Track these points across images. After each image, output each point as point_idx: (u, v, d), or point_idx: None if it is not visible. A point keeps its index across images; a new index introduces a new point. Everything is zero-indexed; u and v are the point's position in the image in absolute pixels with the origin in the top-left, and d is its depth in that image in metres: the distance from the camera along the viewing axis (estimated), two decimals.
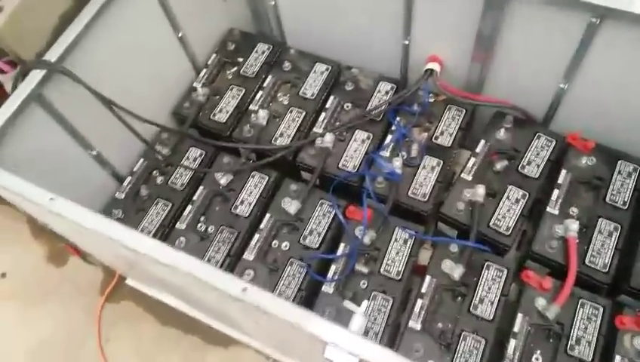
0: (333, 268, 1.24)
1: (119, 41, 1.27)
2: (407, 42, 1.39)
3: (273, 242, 1.28)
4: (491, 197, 1.26)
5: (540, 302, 1.13)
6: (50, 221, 1.20)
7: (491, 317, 1.14)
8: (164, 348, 1.65)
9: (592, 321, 1.11)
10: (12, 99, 1.08)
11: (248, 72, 1.53)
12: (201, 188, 1.36)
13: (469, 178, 1.29)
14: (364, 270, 1.21)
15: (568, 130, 1.31)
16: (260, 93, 1.49)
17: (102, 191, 1.39)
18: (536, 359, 1.09)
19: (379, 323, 1.16)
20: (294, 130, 1.42)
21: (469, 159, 1.32)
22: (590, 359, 1.08)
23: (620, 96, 1.20)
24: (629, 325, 1.09)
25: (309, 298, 1.22)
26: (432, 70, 1.36)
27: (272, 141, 1.41)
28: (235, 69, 1.54)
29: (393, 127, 1.39)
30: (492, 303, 1.15)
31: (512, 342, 1.10)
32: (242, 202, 1.33)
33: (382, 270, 1.22)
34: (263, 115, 1.42)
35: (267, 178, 1.36)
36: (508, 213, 1.23)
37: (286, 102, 1.47)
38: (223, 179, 1.35)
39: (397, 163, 1.30)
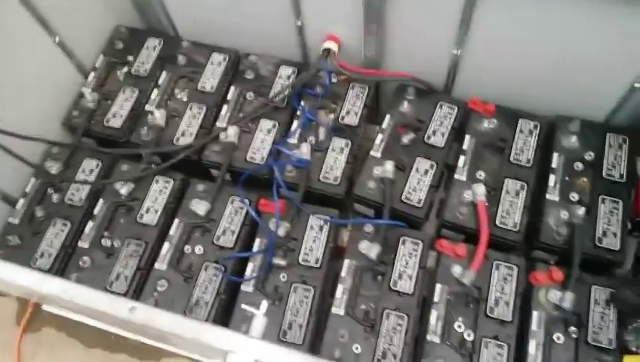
0: (250, 265, 1.19)
1: None
2: (300, 23, 1.34)
3: (185, 247, 1.22)
4: (402, 172, 1.25)
5: (456, 269, 1.13)
6: None
7: (412, 291, 1.13)
8: None
9: (507, 281, 1.13)
10: None
11: (140, 70, 1.44)
12: (101, 201, 1.27)
13: (378, 155, 1.27)
14: (282, 263, 1.18)
15: (470, 95, 1.32)
16: (156, 91, 1.40)
17: None
18: (459, 326, 1.10)
19: (302, 314, 1.13)
20: (197, 128, 1.35)
21: (376, 135, 1.30)
22: (510, 319, 1.09)
23: (512, 54, 1.21)
24: (543, 280, 1.12)
25: (229, 300, 1.18)
26: (329, 50, 1.32)
27: (174, 141, 1.34)
28: (126, 68, 1.44)
29: (298, 112, 1.35)
30: (411, 277, 1.15)
31: (434, 313, 1.11)
32: (147, 210, 1.26)
33: (300, 260, 1.18)
34: (160, 116, 1.34)
35: (172, 181, 1.29)
36: (418, 186, 1.22)
37: (185, 99, 1.40)
38: (124, 189, 1.27)
39: (304, 149, 1.26)
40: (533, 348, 1.06)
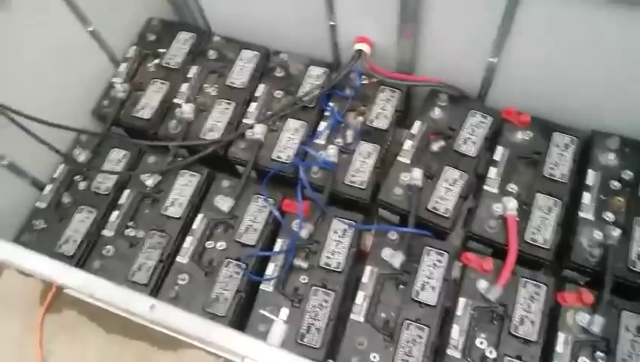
0: (272, 265, 1.18)
1: (18, 42, 1.17)
2: (332, 23, 1.32)
3: (208, 243, 1.21)
4: (429, 180, 1.22)
5: (482, 284, 1.10)
6: None
7: (434, 303, 1.11)
8: (111, 357, 1.57)
9: (534, 300, 1.09)
10: None
11: (171, 63, 1.44)
12: (127, 191, 1.28)
13: (407, 161, 1.24)
14: (304, 265, 1.17)
15: (504, 105, 1.28)
16: (185, 85, 1.40)
17: (23, 202, 1.30)
18: (481, 342, 1.07)
19: (321, 318, 1.11)
20: (224, 123, 1.34)
21: (405, 141, 1.27)
22: (535, 338, 1.06)
23: (550, 66, 1.17)
24: (571, 301, 1.08)
25: (249, 298, 1.17)
26: (361, 51, 1.30)
27: (202, 136, 1.33)
28: (157, 60, 1.45)
29: (327, 113, 1.33)
30: (434, 289, 1.12)
31: (456, 327, 1.08)
32: (172, 203, 1.26)
33: (322, 263, 1.17)
34: (189, 109, 1.33)
35: (198, 176, 1.29)
36: (446, 195, 1.19)
37: (214, 93, 1.39)
38: (150, 181, 1.27)
39: (331, 151, 1.24)
40: None
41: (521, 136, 1.23)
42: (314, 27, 1.35)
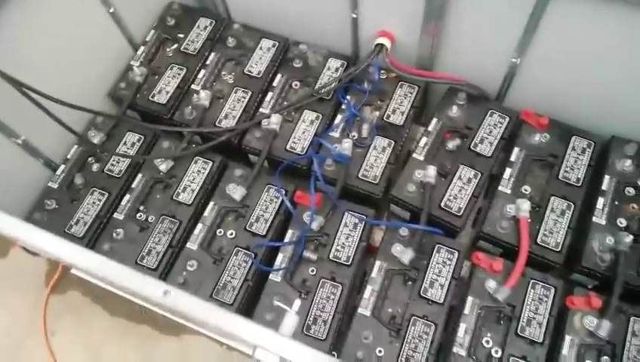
0: (281, 255, 1.18)
1: (39, 21, 1.17)
2: (355, 16, 1.31)
3: (218, 230, 1.22)
4: (443, 178, 1.22)
5: (491, 284, 1.10)
6: None
7: (442, 301, 1.11)
8: (114, 339, 1.58)
9: (543, 302, 1.09)
10: None
11: (190, 48, 1.43)
12: (140, 175, 1.28)
13: (421, 158, 1.24)
14: (313, 257, 1.17)
15: (522, 106, 1.27)
16: (203, 71, 1.40)
17: (35, 182, 1.30)
18: (487, 342, 1.07)
19: (328, 311, 1.12)
20: (240, 111, 1.34)
21: (420, 138, 1.27)
22: (541, 340, 1.06)
23: (573, 70, 1.16)
24: (579, 305, 1.08)
25: (256, 287, 1.17)
26: (382, 45, 1.29)
27: (217, 123, 1.33)
28: (176, 45, 1.44)
29: (343, 106, 1.33)
30: (442, 286, 1.12)
31: (462, 325, 1.08)
32: (184, 189, 1.26)
33: (331, 256, 1.17)
34: (205, 96, 1.33)
35: (211, 163, 1.29)
36: (459, 194, 1.19)
37: (231, 81, 1.39)
38: (163, 166, 1.27)
39: (346, 144, 1.24)
40: None
41: (538, 138, 1.23)
42: (336, 19, 1.34)
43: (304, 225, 1.19)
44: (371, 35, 1.33)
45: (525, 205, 1.13)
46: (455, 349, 1.06)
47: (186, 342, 1.56)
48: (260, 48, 1.42)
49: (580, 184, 1.18)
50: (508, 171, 1.21)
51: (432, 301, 1.11)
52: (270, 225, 1.21)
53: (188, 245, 1.20)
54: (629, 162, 1.17)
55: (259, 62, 1.40)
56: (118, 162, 1.30)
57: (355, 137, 1.28)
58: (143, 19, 1.46)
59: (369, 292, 1.12)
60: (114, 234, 1.22)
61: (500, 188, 1.19)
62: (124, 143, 1.33)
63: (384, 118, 1.31)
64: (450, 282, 1.12)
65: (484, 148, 1.24)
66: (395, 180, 1.24)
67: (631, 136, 1.20)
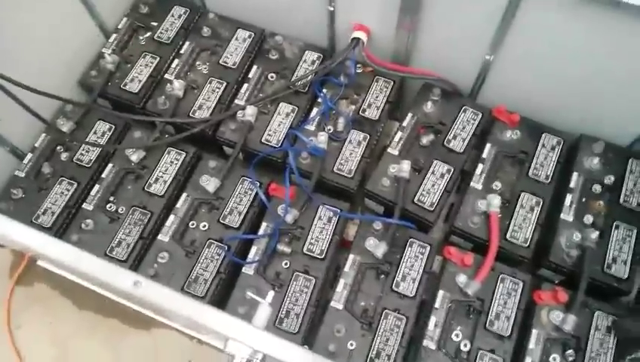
0: (254, 248, 1.18)
1: (6, 5, 1.13)
2: (331, 8, 1.30)
3: (191, 222, 1.20)
4: (417, 173, 1.23)
5: (461, 279, 1.12)
6: None
7: (413, 294, 1.12)
8: (82, 333, 1.55)
9: (511, 296, 1.11)
10: None
11: (163, 37, 1.41)
12: (110, 165, 1.25)
13: (396, 152, 1.25)
14: (287, 250, 1.16)
15: (495, 103, 1.29)
16: (177, 61, 1.38)
17: (1, 170, 1.26)
18: (456, 335, 1.09)
19: (300, 304, 1.12)
20: (214, 102, 1.33)
21: (395, 133, 1.27)
22: (508, 334, 1.08)
23: (544, 68, 1.18)
24: (546, 299, 1.10)
25: (229, 280, 1.17)
26: (358, 39, 1.29)
27: (190, 114, 1.31)
28: (149, 34, 1.41)
29: (319, 99, 1.32)
30: (414, 280, 1.13)
31: (433, 319, 1.10)
32: (156, 180, 1.24)
33: (305, 249, 1.17)
34: (179, 86, 1.31)
35: (184, 154, 1.27)
36: (432, 189, 1.20)
37: (205, 72, 1.37)
38: (135, 156, 1.25)
39: (322, 137, 1.24)
40: None
41: (509, 135, 1.25)
42: (312, 11, 1.34)
43: (278, 218, 1.18)
44: (348, 28, 1.32)
45: (496, 201, 1.15)
46: (425, 342, 1.08)
47: (155, 336, 1.54)
48: (236, 39, 1.41)
49: (549, 181, 1.21)
50: (480, 167, 1.23)
51: (404, 295, 1.12)
52: (244, 217, 1.20)
53: (159, 237, 1.18)
54: (596, 160, 1.20)
55: (234, 52, 1.39)
56: (87, 151, 1.27)
57: (331, 131, 1.28)
58: (114, 6, 1.43)
59: (342, 286, 1.13)
60: (83, 225, 1.19)
61: (471, 183, 1.21)
62: (95, 132, 1.30)
63: (360, 112, 1.31)
64: (421, 276, 1.13)
65: (456, 144, 1.26)
66: (369, 174, 1.24)
67: (599, 134, 1.23)
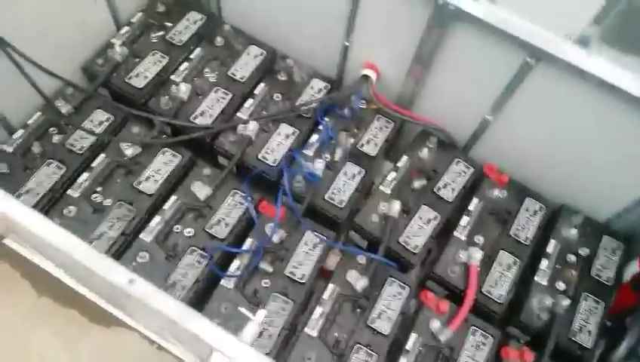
0: (236, 262, 1.17)
1: None
2: (347, 43, 1.34)
3: (175, 226, 1.19)
4: (405, 214, 1.26)
5: (435, 324, 1.14)
6: None
7: (387, 333, 1.13)
8: (37, 320, 1.47)
9: (480, 349, 1.14)
10: None
11: (175, 39, 1.41)
12: (102, 155, 1.23)
13: (387, 191, 1.28)
14: (269, 269, 1.16)
15: (485, 159, 1.34)
16: (186, 64, 1.38)
17: None
18: None
19: (276, 325, 1.11)
20: (218, 112, 1.33)
21: (389, 173, 1.31)
22: None
23: (538, 138, 1.25)
24: (513, 357, 1.13)
25: (206, 290, 1.15)
26: (367, 76, 1.33)
27: (192, 118, 1.31)
28: (162, 33, 1.41)
29: (320, 127, 1.35)
30: (390, 319, 1.15)
31: (403, 360, 1.11)
32: (147, 178, 1.22)
33: (287, 271, 1.17)
34: (185, 89, 1.31)
35: (180, 157, 1.26)
36: (418, 232, 1.23)
37: (213, 80, 1.38)
38: (130, 150, 1.23)
39: (319, 164, 1.26)
40: None
41: (497, 193, 1.30)
42: (327, 42, 1.37)
43: (265, 236, 1.18)
44: (358, 64, 1.36)
45: (478, 254, 1.19)
46: None
47: (114, 335, 1.48)
48: (248, 54, 1.42)
49: (528, 243, 1.26)
50: (465, 219, 1.27)
51: (378, 332, 1.13)
52: (231, 230, 1.20)
53: (142, 236, 1.16)
54: (574, 231, 1.26)
55: (244, 67, 1.40)
56: (81, 138, 1.25)
57: (328, 159, 1.30)
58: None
59: (318, 314, 1.13)
60: (65, 211, 1.16)
61: (455, 233, 1.25)
62: (92, 120, 1.28)
63: (358, 146, 1.34)
64: (397, 316, 1.15)
65: (446, 192, 1.30)
66: (358, 208, 1.27)
67: (580, 205, 1.30)
